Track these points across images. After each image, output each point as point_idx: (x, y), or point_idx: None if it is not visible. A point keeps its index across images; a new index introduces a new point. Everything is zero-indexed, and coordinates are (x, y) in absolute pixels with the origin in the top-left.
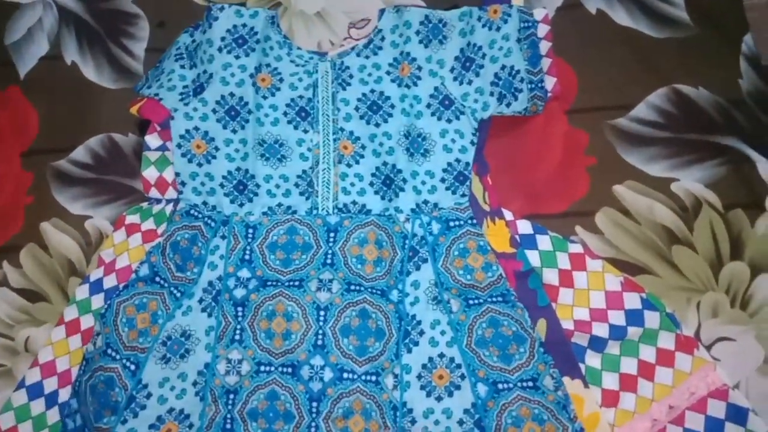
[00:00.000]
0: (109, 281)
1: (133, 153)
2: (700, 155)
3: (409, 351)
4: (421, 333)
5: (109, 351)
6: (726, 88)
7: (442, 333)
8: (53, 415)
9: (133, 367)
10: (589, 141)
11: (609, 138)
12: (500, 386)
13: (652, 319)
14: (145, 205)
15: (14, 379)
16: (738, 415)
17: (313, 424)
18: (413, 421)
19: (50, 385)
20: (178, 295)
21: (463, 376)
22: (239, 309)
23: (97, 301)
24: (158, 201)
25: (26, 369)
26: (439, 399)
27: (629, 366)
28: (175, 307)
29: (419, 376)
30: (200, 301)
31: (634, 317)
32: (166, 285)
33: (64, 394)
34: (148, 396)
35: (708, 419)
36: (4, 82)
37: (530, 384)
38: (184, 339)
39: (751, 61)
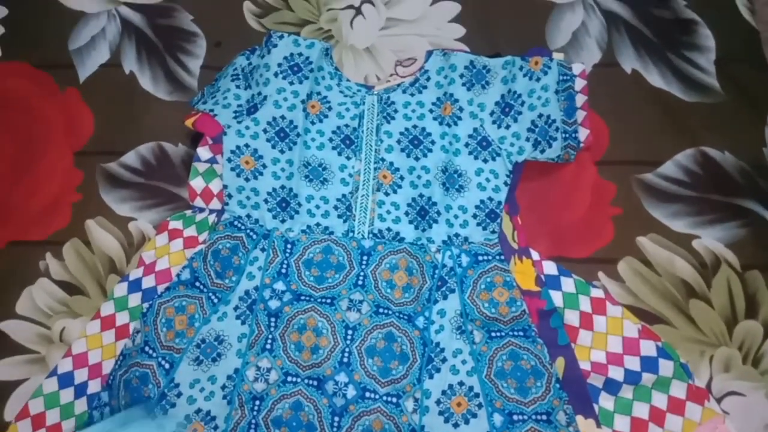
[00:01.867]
0: (148, 282)
1: (181, 162)
2: (721, 215)
3: (431, 377)
4: (444, 360)
5: (147, 348)
6: (750, 153)
7: (464, 362)
8: (81, 405)
9: (167, 366)
10: (617, 192)
11: (636, 191)
12: (515, 417)
13: (666, 367)
14: (188, 212)
15: (47, 366)
16: None
17: None
18: None
19: (81, 376)
20: (216, 300)
21: (480, 405)
22: (272, 319)
23: (134, 300)
24: (201, 210)
25: (59, 358)
26: (456, 425)
27: (641, 411)
28: (212, 312)
29: (438, 402)
30: (236, 308)
31: (649, 364)
32: (205, 290)
33: (94, 386)
34: (179, 395)
35: None
36: (64, 84)
37: (544, 417)
38: (217, 343)
39: None
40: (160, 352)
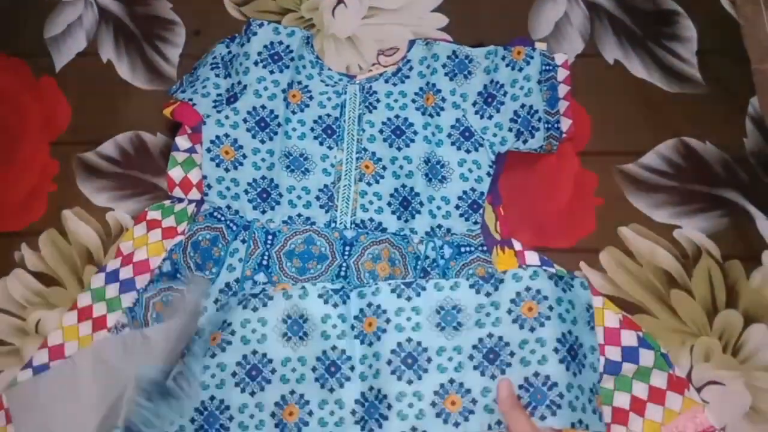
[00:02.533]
0: (126, 272)
1: (160, 152)
2: (703, 206)
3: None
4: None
5: None
6: (731, 145)
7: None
8: None
9: None
10: (599, 183)
11: (618, 182)
12: None
13: (646, 357)
14: (167, 203)
15: (21, 359)
16: None
17: None
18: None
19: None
20: None
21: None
22: None
23: (112, 291)
24: (180, 200)
25: (35, 350)
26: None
27: (622, 401)
28: None
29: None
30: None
31: (630, 354)
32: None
33: None
34: None
35: None
36: (40, 73)
37: None
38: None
39: (756, 122)
40: None
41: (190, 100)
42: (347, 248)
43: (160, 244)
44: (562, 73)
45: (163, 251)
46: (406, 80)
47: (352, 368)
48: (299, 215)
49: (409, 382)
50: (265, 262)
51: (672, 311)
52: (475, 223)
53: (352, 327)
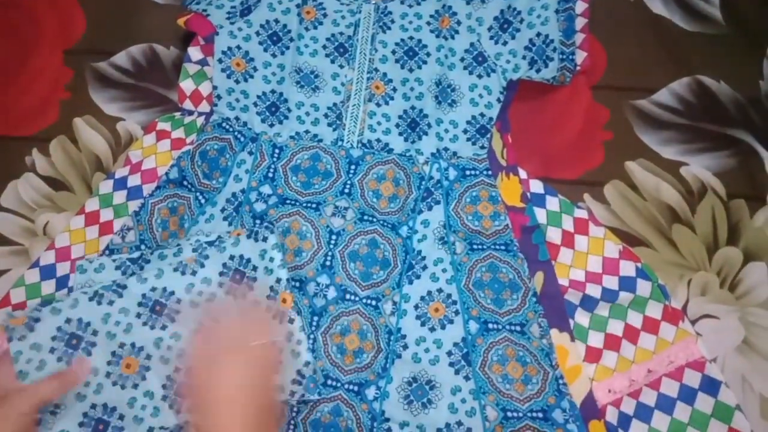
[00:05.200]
0: (134, 180)
1: (172, 65)
2: (712, 144)
3: (410, 282)
4: (424, 268)
5: (143, 248)
6: (746, 86)
7: (444, 270)
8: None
9: None
10: (610, 117)
11: (628, 117)
12: (490, 326)
13: (644, 287)
14: (177, 114)
15: (29, 258)
16: (711, 386)
17: (312, 336)
18: (405, 347)
19: (63, 269)
20: (203, 201)
21: (457, 312)
22: (257, 222)
23: (119, 197)
24: (190, 113)
25: (42, 251)
26: (432, 329)
27: (615, 328)
28: (199, 213)
29: (416, 306)
30: (222, 210)
31: (627, 284)
32: (192, 190)
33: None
34: None
35: (682, 387)
36: None
37: (518, 329)
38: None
39: None
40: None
41: (204, 11)
42: (353, 167)
43: (168, 154)
44: (580, 6)
45: (171, 161)
46: (422, 2)
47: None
48: (307, 131)
49: None
50: (270, 175)
51: (672, 245)
52: (482, 147)
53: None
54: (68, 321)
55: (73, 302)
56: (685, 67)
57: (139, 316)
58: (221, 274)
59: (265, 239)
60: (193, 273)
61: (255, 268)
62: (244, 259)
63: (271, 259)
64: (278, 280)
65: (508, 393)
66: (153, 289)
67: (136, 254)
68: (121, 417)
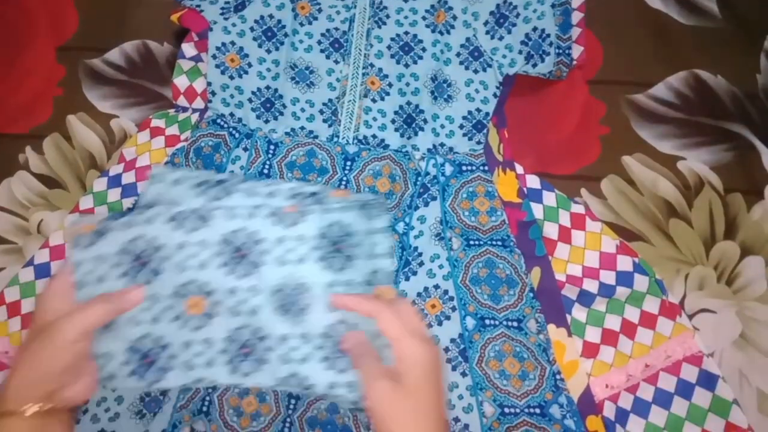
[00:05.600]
0: (128, 177)
1: (166, 62)
2: (709, 139)
3: (407, 279)
4: (421, 264)
5: None
6: (743, 80)
7: (440, 267)
8: None
9: None
10: (606, 111)
11: (625, 111)
12: (487, 322)
13: (641, 282)
14: (171, 111)
15: (23, 257)
16: (708, 381)
17: None
18: None
19: (57, 267)
20: None
21: (453, 308)
22: None
23: (114, 195)
24: (185, 109)
25: (36, 249)
26: (429, 326)
27: (613, 323)
28: None
29: (413, 303)
30: None
31: (625, 279)
32: None
33: None
34: None
35: (680, 382)
36: None
37: (515, 324)
38: None
39: None
40: None
41: (198, 6)
42: (348, 163)
43: (162, 151)
44: (577, 0)
45: (165, 158)
46: None
47: None
48: (302, 128)
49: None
50: (266, 171)
51: (670, 240)
52: (479, 143)
53: None
54: (139, 238)
55: (149, 219)
56: (682, 61)
57: (218, 254)
58: (322, 236)
59: (378, 217)
60: (292, 225)
61: (357, 245)
62: (347, 233)
63: (376, 244)
64: (375, 272)
65: (505, 389)
66: (241, 230)
67: (223, 175)
68: (172, 357)
